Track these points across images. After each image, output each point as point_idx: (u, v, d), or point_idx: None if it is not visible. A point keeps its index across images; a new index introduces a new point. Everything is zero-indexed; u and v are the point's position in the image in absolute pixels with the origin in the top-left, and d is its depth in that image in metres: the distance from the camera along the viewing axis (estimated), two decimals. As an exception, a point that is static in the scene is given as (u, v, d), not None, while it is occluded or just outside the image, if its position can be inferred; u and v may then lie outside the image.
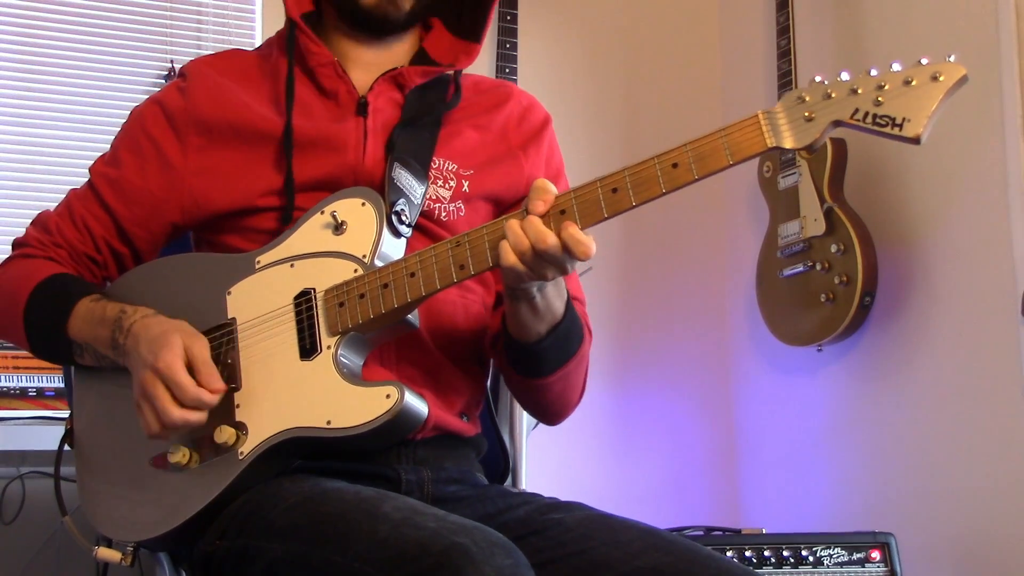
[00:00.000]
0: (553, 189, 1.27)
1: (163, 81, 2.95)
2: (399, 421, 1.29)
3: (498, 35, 3.05)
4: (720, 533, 2.51)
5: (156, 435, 1.34)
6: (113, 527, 1.41)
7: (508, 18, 3.06)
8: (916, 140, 1.16)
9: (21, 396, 2.43)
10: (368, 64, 1.54)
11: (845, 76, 1.19)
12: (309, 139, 1.47)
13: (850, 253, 2.71)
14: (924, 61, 1.17)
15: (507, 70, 3.01)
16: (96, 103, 2.93)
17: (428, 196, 1.46)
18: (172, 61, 2.99)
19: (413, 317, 1.37)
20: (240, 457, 1.33)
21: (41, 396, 2.43)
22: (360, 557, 1.14)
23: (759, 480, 3.23)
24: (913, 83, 1.16)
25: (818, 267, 2.78)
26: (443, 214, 1.47)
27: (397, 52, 1.57)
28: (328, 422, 1.30)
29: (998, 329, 2.47)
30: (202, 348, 1.34)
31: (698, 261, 3.36)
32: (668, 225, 3.31)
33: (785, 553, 2.31)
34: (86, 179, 1.57)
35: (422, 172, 1.46)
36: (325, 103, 1.51)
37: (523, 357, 1.42)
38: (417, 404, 1.31)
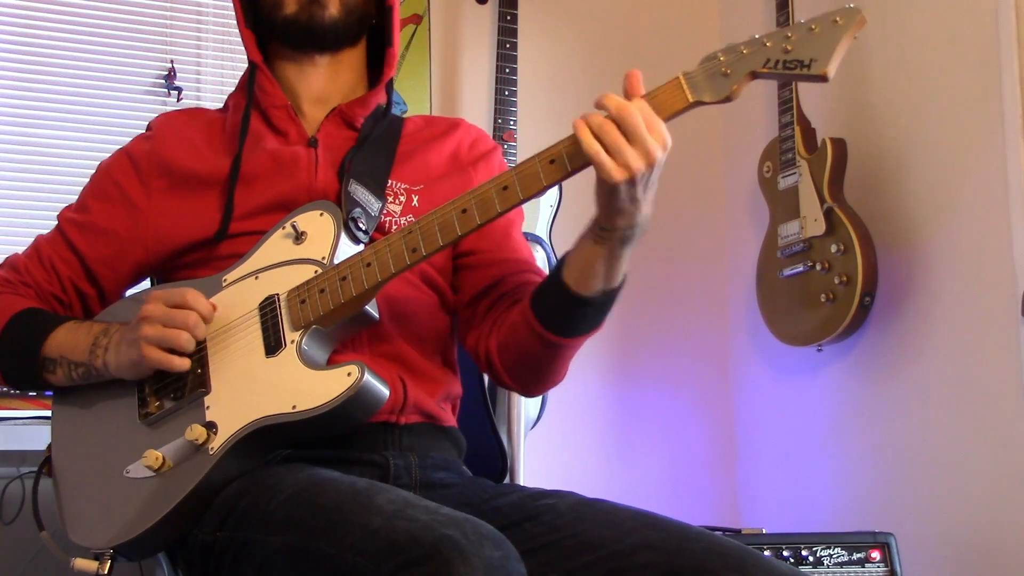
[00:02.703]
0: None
1: (163, 81, 2.96)
2: (361, 398, 1.33)
3: (498, 35, 3.05)
4: (720, 533, 2.51)
5: (179, 350, 1.40)
6: (89, 535, 1.43)
7: (508, 18, 3.05)
8: (824, 78, 1.24)
9: (21, 396, 2.43)
10: (318, 100, 1.61)
11: (757, 36, 1.29)
12: (262, 167, 1.54)
13: (850, 253, 2.71)
14: (828, 12, 1.26)
15: (507, 70, 3.01)
16: (96, 103, 2.93)
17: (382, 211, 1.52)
18: (172, 61, 2.99)
19: (373, 310, 1.42)
20: (210, 453, 1.36)
21: (41, 396, 2.43)
22: (353, 548, 1.16)
23: (759, 480, 3.23)
24: (815, 29, 1.25)
25: (818, 267, 2.78)
26: (395, 227, 1.52)
27: (345, 82, 1.63)
28: (294, 407, 1.34)
29: (998, 329, 2.47)
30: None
31: (698, 261, 3.36)
32: (668, 225, 3.31)
33: (785, 553, 2.31)
34: (55, 224, 1.63)
35: (379, 191, 1.52)
36: (277, 137, 1.58)
37: (569, 309, 1.42)
38: (378, 383, 1.35)
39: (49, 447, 1.54)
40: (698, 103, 1.29)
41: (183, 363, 1.41)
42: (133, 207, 1.57)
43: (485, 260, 1.57)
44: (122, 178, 1.59)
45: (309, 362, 1.37)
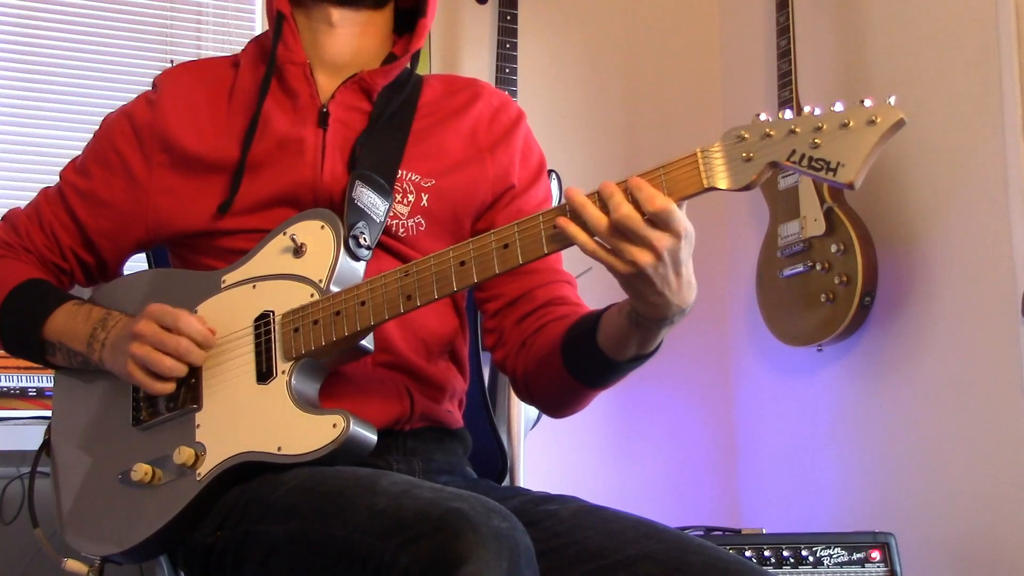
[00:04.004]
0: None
1: (163, 81, 2.96)
2: (346, 449, 1.30)
3: (498, 35, 3.05)
4: (720, 533, 2.51)
5: (164, 377, 1.38)
6: (80, 541, 1.43)
7: (508, 18, 3.05)
8: (850, 186, 1.14)
9: (21, 396, 2.43)
10: (333, 67, 1.53)
11: (788, 115, 1.19)
12: (268, 156, 1.47)
13: (850, 253, 2.71)
14: (867, 103, 1.15)
15: (507, 70, 3.01)
16: (96, 103, 2.92)
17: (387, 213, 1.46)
18: (172, 61, 2.98)
19: (368, 342, 1.37)
20: (198, 479, 1.35)
21: (41, 396, 2.43)
22: (360, 529, 1.15)
23: (759, 480, 3.23)
24: (850, 125, 1.14)
25: (818, 267, 2.78)
26: (401, 230, 1.47)
27: (365, 50, 1.54)
28: (279, 448, 1.32)
29: (998, 329, 2.47)
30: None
31: (698, 261, 3.33)
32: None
33: (785, 553, 2.31)
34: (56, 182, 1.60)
35: (386, 187, 1.45)
36: (286, 107, 1.50)
37: (600, 368, 1.40)
38: (364, 432, 1.32)
39: (49, 429, 1.53)
40: (712, 188, 1.21)
41: (165, 388, 1.38)
42: (134, 181, 1.52)
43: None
44: (123, 146, 1.53)
45: (298, 399, 1.34)
